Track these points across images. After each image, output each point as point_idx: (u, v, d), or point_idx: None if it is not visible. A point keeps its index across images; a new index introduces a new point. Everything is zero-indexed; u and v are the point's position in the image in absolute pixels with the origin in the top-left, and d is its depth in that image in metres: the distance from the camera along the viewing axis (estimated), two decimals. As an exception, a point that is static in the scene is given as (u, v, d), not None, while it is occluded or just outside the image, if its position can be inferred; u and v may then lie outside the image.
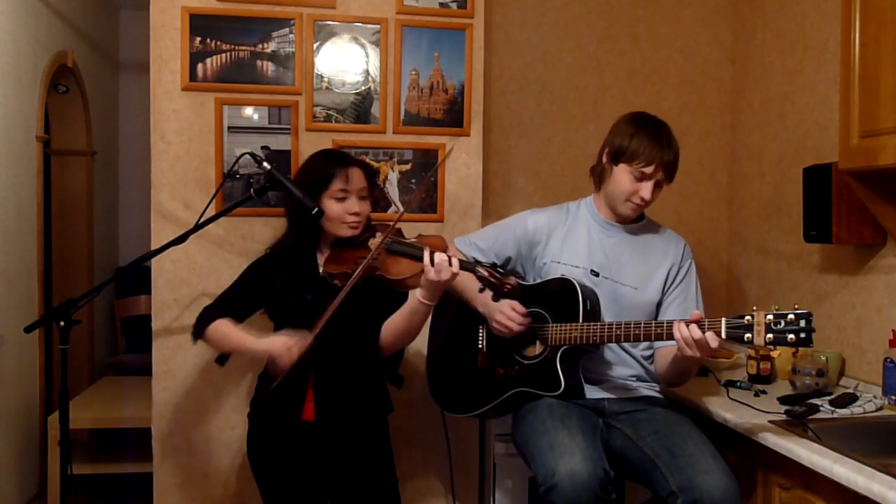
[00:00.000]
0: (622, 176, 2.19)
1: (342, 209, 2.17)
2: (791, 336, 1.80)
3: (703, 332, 1.90)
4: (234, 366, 2.61)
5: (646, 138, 2.15)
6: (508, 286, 1.94)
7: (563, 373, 2.12)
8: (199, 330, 2.21)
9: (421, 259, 2.04)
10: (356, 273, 2.05)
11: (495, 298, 2.12)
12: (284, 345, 2.03)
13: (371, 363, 2.23)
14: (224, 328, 2.17)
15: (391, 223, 2.17)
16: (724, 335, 1.89)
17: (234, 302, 2.23)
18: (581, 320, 2.11)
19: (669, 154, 2.16)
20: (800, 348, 2.44)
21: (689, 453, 1.97)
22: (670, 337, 1.96)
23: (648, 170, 2.14)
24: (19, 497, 3.57)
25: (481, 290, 2.01)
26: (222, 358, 2.25)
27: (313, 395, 2.16)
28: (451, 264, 1.99)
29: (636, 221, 2.32)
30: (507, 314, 2.16)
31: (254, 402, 2.30)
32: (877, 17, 2.02)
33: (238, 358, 2.60)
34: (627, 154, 2.17)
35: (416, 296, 2.08)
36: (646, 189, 2.17)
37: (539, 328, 2.20)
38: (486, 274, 1.94)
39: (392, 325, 2.17)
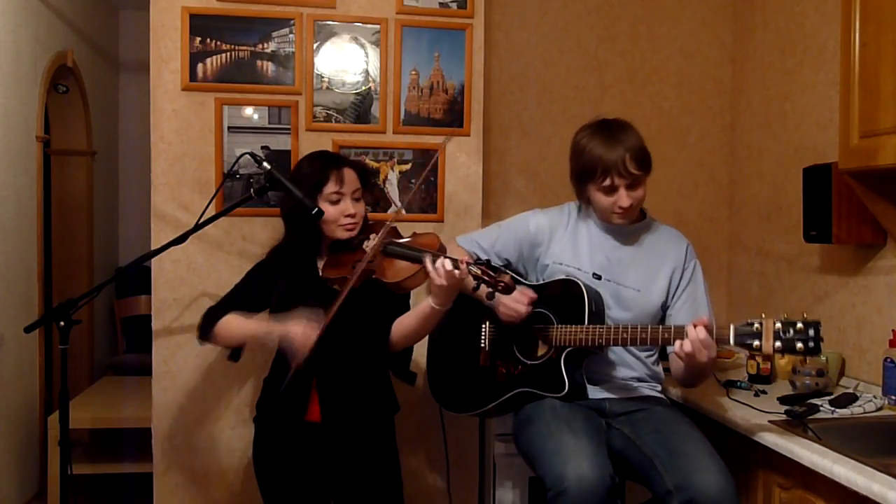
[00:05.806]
0: (594, 194, 2.18)
1: (337, 212, 2.14)
2: (800, 345, 1.80)
3: (712, 337, 1.90)
4: (235, 365, 2.62)
5: (593, 152, 2.11)
6: (502, 284, 1.94)
7: (567, 374, 2.13)
8: (206, 329, 2.18)
9: (417, 261, 2.03)
10: (353, 278, 2.03)
11: (490, 297, 2.12)
12: (304, 332, 1.99)
13: (377, 363, 2.22)
14: (234, 321, 2.15)
15: (386, 223, 2.14)
16: (732, 342, 1.89)
17: (239, 302, 2.21)
18: (587, 322, 2.11)
19: (620, 153, 2.08)
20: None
21: (686, 452, 1.97)
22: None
23: (608, 182, 2.11)
24: (19, 497, 3.57)
25: (475, 290, 1.99)
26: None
27: (318, 397, 2.15)
28: (454, 267, 1.96)
29: (636, 221, 2.31)
30: (514, 297, 2.13)
31: (259, 405, 2.28)
32: (877, 17, 2.02)
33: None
34: (586, 175, 2.15)
35: (428, 302, 2.06)
36: (621, 198, 2.13)
37: (543, 328, 2.20)
38: (478, 272, 1.93)
39: (403, 326, 2.16)
